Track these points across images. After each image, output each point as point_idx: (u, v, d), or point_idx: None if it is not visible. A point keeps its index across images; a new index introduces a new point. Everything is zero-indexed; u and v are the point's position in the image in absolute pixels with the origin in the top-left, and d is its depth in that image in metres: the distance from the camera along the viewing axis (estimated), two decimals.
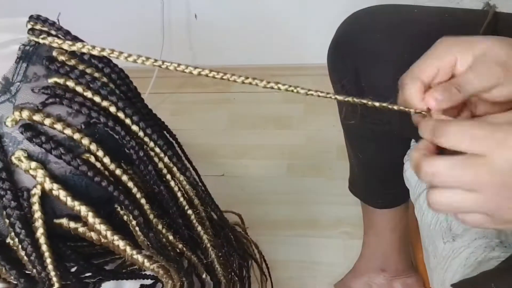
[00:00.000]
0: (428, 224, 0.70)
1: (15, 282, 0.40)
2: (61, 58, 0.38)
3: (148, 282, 0.50)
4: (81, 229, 0.38)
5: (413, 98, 0.42)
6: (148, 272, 0.48)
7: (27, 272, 0.39)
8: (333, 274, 1.07)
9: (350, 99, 0.41)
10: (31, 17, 0.40)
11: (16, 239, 0.36)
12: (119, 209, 0.40)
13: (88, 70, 0.39)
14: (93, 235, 0.39)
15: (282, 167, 1.30)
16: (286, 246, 1.15)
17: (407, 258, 0.99)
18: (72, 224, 0.38)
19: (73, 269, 0.42)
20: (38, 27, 0.39)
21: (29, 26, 0.39)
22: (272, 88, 0.38)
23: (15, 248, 0.37)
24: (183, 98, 1.51)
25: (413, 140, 0.78)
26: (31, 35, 0.38)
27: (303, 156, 1.32)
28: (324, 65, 0.76)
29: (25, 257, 0.37)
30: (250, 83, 0.37)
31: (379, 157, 0.84)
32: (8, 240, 0.37)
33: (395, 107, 0.43)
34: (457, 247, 0.63)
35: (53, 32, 0.39)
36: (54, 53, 0.38)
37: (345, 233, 1.15)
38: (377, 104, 0.42)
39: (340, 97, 0.40)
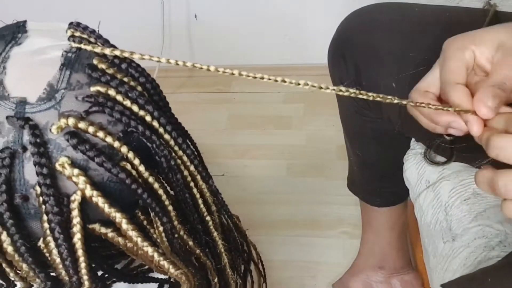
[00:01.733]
0: (428, 224, 0.70)
1: (32, 283, 0.40)
2: (101, 66, 0.38)
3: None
4: (110, 234, 0.39)
5: (465, 102, 0.40)
6: (155, 274, 0.48)
7: (52, 274, 0.39)
8: (333, 274, 1.07)
9: (386, 99, 0.40)
10: (71, 24, 0.41)
11: (53, 244, 0.37)
12: (139, 213, 0.41)
13: (126, 79, 0.39)
14: (120, 240, 0.39)
15: (282, 167, 1.30)
16: (286, 246, 1.15)
17: (405, 256, 0.99)
18: (103, 229, 0.39)
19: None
20: (77, 34, 0.40)
21: (69, 33, 0.40)
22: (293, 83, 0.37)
23: (45, 251, 0.38)
24: (183, 98, 1.52)
25: (413, 139, 0.78)
26: (72, 41, 0.39)
27: (303, 156, 1.32)
28: (325, 65, 0.76)
29: (59, 261, 0.37)
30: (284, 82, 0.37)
31: (378, 156, 0.84)
32: (40, 243, 0.38)
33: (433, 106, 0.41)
34: (456, 247, 0.63)
35: (92, 40, 0.40)
36: (95, 61, 0.38)
37: (345, 233, 1.15)
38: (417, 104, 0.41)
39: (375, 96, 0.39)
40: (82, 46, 0.38)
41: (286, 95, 1.47)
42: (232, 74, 0.36)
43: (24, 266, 0.38)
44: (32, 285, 0.41)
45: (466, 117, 0.41)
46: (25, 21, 0.40)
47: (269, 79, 0.36)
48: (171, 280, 0.47)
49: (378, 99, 0.40)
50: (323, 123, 1.37)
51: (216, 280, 0.50)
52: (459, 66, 0.42)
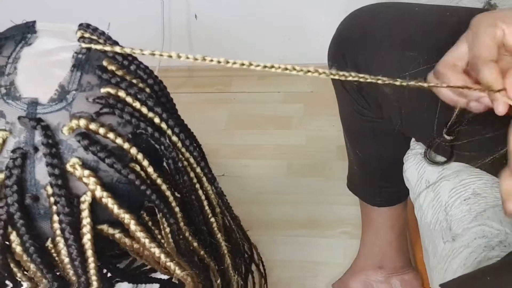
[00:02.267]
0: (428, 224, 0.70)
1: (38, 284, 0.41)
2: (111, 68, 0.39)
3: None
4: (118, 235, 0.39)
5: (498, 81, 0.40)
6: (157, 274, 0.48)
7: (58, 274, 0.40)
8: (333, 274, 1.07)
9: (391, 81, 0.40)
10: (80, 25, 0.41)
11: (62, 244, 0.37)
12: (144, 214, 0.41)
13: (135, 81, 0.40)
14: (127, 241, 0.40)
15: (282, 167, 1.30)
16: (286, 246, 1.15)
17: (404, 255, 0.99)
18: (111, 230, 0.39)
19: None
20: (87, 35, 0.40)
21: (79, 34, 0.40)
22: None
23: (53, 251, 0.38)
24: (183, 98, 1.51)
25: (413, 139, 0.78)
26: (82, 42, 0.39)
27: (303, 156, 1.32)
28: (325, 65, 0.76)
29: (68, 261, 0.38)
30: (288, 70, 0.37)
31: (378, 156, 0.84)
32: (48, 243, 0.38)
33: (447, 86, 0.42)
34: (457, 247, 0.63)
35: (101, 42, 0.40)
36: (105, 63, 0.39)
37: (345, 233, 1.15)
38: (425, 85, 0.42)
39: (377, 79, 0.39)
40: (92, 46, 0.38)
41: (286, 95, 1.47)
42: (242, 65, 0.36)
43: (32, 266, 0.38)
44: (39, 285, 0.41)
45: (495, 96, 0.40)
46: (34, 22, 0.40)
47: (279, 67, 0.37)
48: (173, 280, 0.47)
49: (387, 82, 0.40)
50: (323, 123, 1.37)
51: (219, 281, 0.51)
52: (492, 43, 0.42)
